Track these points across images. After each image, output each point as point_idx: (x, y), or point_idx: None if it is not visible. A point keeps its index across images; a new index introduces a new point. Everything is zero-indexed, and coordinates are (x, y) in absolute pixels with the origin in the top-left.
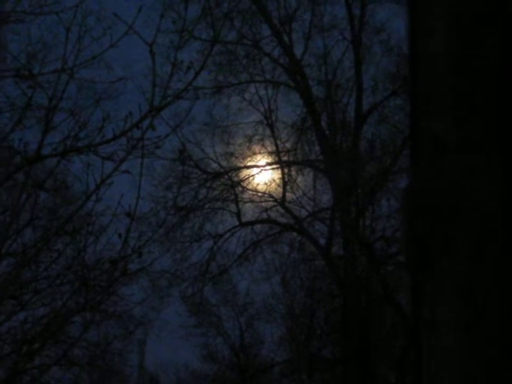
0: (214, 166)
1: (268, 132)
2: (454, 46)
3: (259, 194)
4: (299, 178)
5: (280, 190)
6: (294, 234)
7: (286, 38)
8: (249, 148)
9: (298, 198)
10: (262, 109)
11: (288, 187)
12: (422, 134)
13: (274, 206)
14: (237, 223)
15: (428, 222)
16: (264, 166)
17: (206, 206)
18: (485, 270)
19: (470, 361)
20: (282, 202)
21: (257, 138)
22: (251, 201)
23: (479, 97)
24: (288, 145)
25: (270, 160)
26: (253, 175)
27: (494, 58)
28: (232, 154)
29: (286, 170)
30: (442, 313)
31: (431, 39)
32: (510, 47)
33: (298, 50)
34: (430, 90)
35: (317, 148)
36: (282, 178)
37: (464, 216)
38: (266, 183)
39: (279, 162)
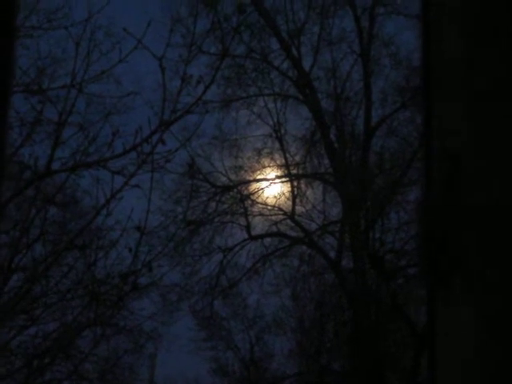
0: (223, 179)
1: (277, 145)
2: (469, 55)
3: (269, 208)
4: (308, 191)
5: (289, 203)
6: (304, 248)
7: (294, 52)
8: (258, 161)
9: (307, 211)
10: (270, 122)
11: (297, 200)
12: (435, 148)
13: (284, 219)
14: (246, 237)
15: (442, 237)
16: (273, 180)
17: (216, 220)
18: (500, 285)
19: (486, 372)
20: (291, 215)
21: (266, 151)
22: (261, 214)
23: (495, 110)
24: (297, 158)
25: (279, 173)
26: (262, 188)
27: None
28: (241, 168)
29: (295, 184)
30: (457, 327)
31: (445, 51)
32: None
33: (306, 64)
34: (444, 104)
35: (326, 161)
36: (292, 192)
37: (480, 230)
38: (275, 196)
39: (288, 175)
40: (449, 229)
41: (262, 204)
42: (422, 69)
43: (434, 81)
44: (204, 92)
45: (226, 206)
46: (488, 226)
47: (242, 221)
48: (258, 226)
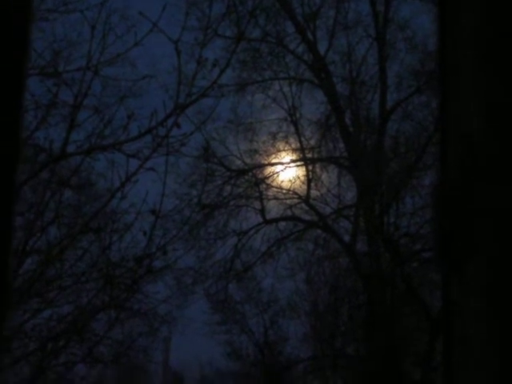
0: (238, 163)
1: (292, 129)
2: (484, 43)
3: (283, 192)
4: (323, 175)
5: (304, 187)
6: (319, 231)
7: (310, 35)
8: (273, 145)
9: (322, 195)
10: (285, 106)
11: (312, 184)
12: (451, 132)
13: (299, 203)
14: (261, 220)
15: (457, 221)
16: (288, 163)
17: (231, 204)
18: None
19: (499, 357)
20: (306, 199)
21: (281, 135)
22: (275, 198)
23: (511, 96)
24: (312, 142)
25: (294, 157)
26: (277, 172)
27: None
28: (256, 152)
29: (310, 168)
30: (470, 312)
31: (461, 38)
32: None
33: (322, 47)
34: (460, 88)
35: (341, 145)
36: (307, 176)
37: (493, 216)
38: (290, 180)
39: (303, 159)
40: (464, 214)
41: (276, 188)
42: (437, 53)
43: (450, 66)
44: (219, 76)
45: (240, 189)
46: (503, 212)
47: (257, 204)
48: (273, 209)
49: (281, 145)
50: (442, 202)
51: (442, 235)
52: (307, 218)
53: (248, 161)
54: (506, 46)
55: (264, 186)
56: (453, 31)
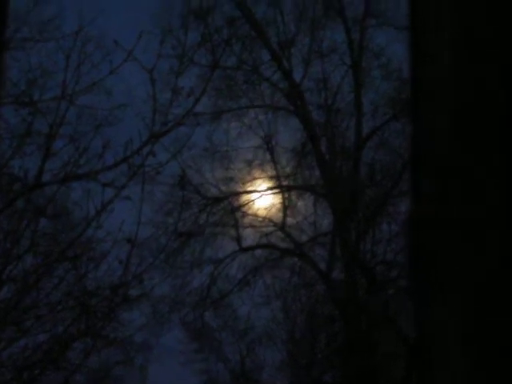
0: (214, 191)
1: (268, 157)
2: (458, 69)
3: (259, 219)
4: (299, 203)
5: (280, 214)
6: (295, 259)
7: (285, 63)
8: (249, 173)
9: (298, 222)
10: (261, 134)
11: (288, 212)
12: (423, 158)
13: (275, 230)
14: (237, 248)
15: (430, 248)
16: (264, 191)
17: (207, 232)
18: (489, 295)
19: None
20: (282, 226)
21: (257, 162)
22: (251, 226)
23: (484, 122)
24: (288, 169)
25: (270, 185)
26: (253, 200)
27: (500, 82)
28: (232, 179)
29: (286, 195)
30: (446, 340)
31: (434, 63)
32: None
33: (297, 75)
34: (432, 114)
35: (317, 172)
36: (282, 203)
37: (467, 242)
38: (266, 208)
39: (279, 187)
40: (436, 241)
41: (252, 215)
42: (410, 81)
43: (423, 93)
44: (195, 104)
45: (216, 217)
46: (476, 237)
47: (233, 232)
48: (249, 237)
49: (256, 172)
50: (413, 229)
51: (414, 262)
52: (283, 245)
53: (224, 188)
54: (477, 72)
55: (240, 213)
56: (426, 55)
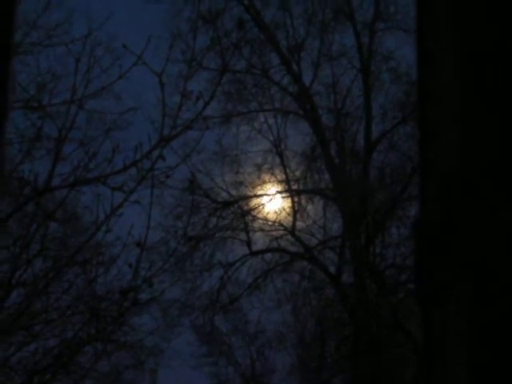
0: (224, 195)
1: (277, 161)
2: (463, 73)
3: (269, 223)
4: (309, 207)
5: (290, 218)
6: (305, 263)
7: (294, 67)
8: (258, 177)
9: (307, 226)
10: (271, 137)
11: (298, 216)
12: (430, 165)
13: (284, 234)
14: (247, 252)
15: (437, 253)
16: (274, 195)
17: (217, 235)
18: (495, 300)
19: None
20: (292, 230)
21: (266, 166)
22: (261, 230)
23: (493, 129)
24: (298, 173)
25: (279, 189)
26: (263, 204)
27: (505, 86)
28: (241, 183)
29: (295, 199)
30: (453, 344)
31: (440, 67)
32: None
33: (306, 79)
34: (439, 121)
35: (326, 176)
36: (292, 207)
37: (473, 247)
38: (275, 212)
39: (289, 191)
40: (443, 247)
41: (262, 219)
42: (417, 85)
43: (430, 97)
44: (204, 108)
45: (226, 221)
46: (483, 242)
47: (243, 236)
48: (259, 241)
49: (266, 176)
50: (422, 233)
51: (422, 266)
52: (293, 249)
53: (234, 192)
54: (484, 75)
55: (250, 217)
56: (432, 61)
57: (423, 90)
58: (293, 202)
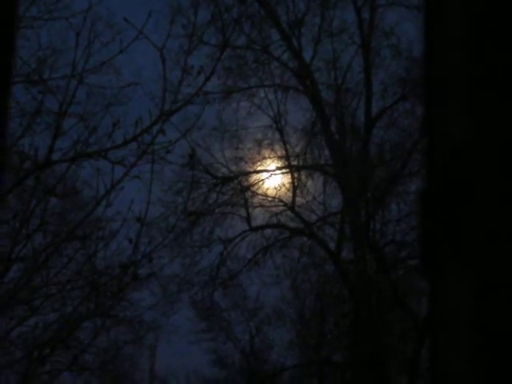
0: (224, 170)
1: (277, 136)
2: (472, 53)
3: (269, 199)
4: (309, 183)
5: (290, 194)
6: (304, 239)
7: (295, 43)
8: (258, 153)
9: (307, 202)
10: (271, 113)
11: (298, 192)
12: (436, 137)
13: (284, 210)
14: (247, 228)
15: (441, 225)
16: (274, 171)
17: (216, 211)
18: (498, 272)
19: (484, 361)
20: (291, 206)
21: (266, 142)
22: (261, 205)
23: (497, 102)
24: (297, 149)
25: (279, 164)
26: (262, 180)
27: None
28: (241, 159)
29: (295, 175)
30: (455, 314)
31: (447, 41)
32: None
33: (307, 55)
34: (446, 92)
35: (326, 152)
36: (292, 183)
37: (478, 219)
38: (275, 188)
39: (289, 167)
40: (448, 219)
41: (262, 195)
42: (423, 61)
43: (436, 73)
44: (204, 83)
45: (226, 197)
46: (488, 216)
47: (243, 212)
48: (259, 217)
49: (266, 152)
50: (426, 206)
51: (426, 240)
52: (293, 225)
53: (233, 168)
54: (492, 53)
55: (249, 193)
56: (439, 37)
57: (430, 67)
58: (292, 177)
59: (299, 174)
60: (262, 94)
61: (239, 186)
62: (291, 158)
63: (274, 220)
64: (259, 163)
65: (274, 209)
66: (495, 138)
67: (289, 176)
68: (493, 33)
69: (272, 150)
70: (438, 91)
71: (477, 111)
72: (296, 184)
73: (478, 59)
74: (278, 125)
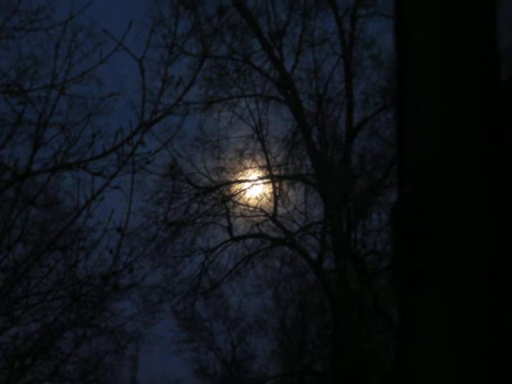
0: (205, 180)
1: (259, 146)
2: (443, 57)
3: (250, 209)
4: (290, 193)
5: (271, 204)
6: (286, 249)
7: (276, 53)
8: (240, 162)
9: (289, 212)
10: (252, 123)
11: (279, 202)
12: (409, 150)
13: (266, 220)
14: (228, 238)
15: (415, 239)
16: (255, 181)
17: (198, 221)
18: (471, 283)
19: (458, 372)
20: (273, 216)
21: (247, 152)
22: (242, 215)
23: (468, 113)
24: (279, 159)
25: (260, 174)
26: (244, 190)
27: (486, 70)
28: (223, 169)
29: (277, 185)
30: (428, 325)
31: (419, 54)
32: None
33: (288, 65)
34: (418, 106)
35: (308, 162)
36: (273, 193)
37: (451, 230)
38: (257, 198)
39: (270, 177)
40: (421, 232)
41: (243, 205)
42: (396, 71)
43: (408, 84)
44: (184, 93)
45: (207, 207)
46: (461, 226)
47: (224, 222)
48: (240, 227)
49: (247, 162)
50: (399, 219)
51: (399, 251)
52: (274, 235)
53: (215, 178)
54: (461, 64)
55: (231, 203)
56: (410, 50)
57: (402, 73)
58: (274, 187)
59: (280, 184)
60: (244, 104)
61: (220, 195)
62: (273, 168)
63: (256, 230)
64: (240, 173)
65: (255, 219)
66: (467, 151)
67: (270, 186)
68: (464, 45)
69: (253, 159)
70: (409, 104)
71: (448, 123)
72: (277, 194)
73: (449, 72)
74: (260, 135)
